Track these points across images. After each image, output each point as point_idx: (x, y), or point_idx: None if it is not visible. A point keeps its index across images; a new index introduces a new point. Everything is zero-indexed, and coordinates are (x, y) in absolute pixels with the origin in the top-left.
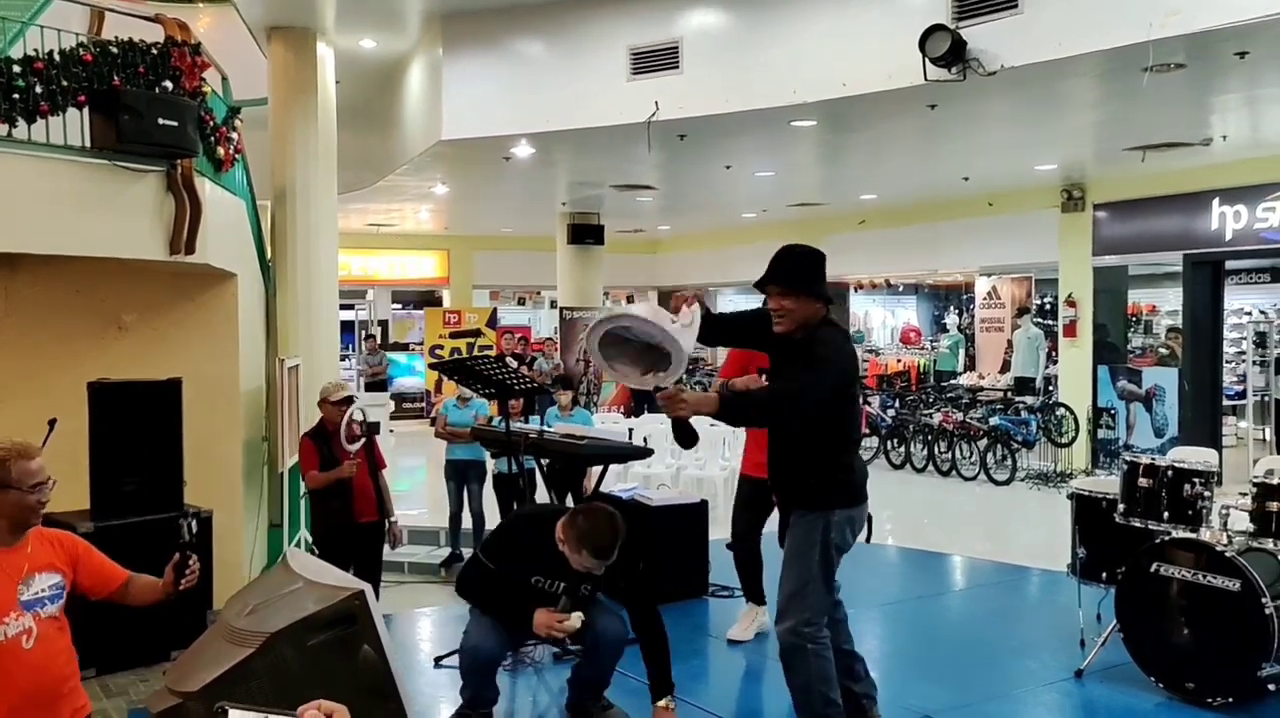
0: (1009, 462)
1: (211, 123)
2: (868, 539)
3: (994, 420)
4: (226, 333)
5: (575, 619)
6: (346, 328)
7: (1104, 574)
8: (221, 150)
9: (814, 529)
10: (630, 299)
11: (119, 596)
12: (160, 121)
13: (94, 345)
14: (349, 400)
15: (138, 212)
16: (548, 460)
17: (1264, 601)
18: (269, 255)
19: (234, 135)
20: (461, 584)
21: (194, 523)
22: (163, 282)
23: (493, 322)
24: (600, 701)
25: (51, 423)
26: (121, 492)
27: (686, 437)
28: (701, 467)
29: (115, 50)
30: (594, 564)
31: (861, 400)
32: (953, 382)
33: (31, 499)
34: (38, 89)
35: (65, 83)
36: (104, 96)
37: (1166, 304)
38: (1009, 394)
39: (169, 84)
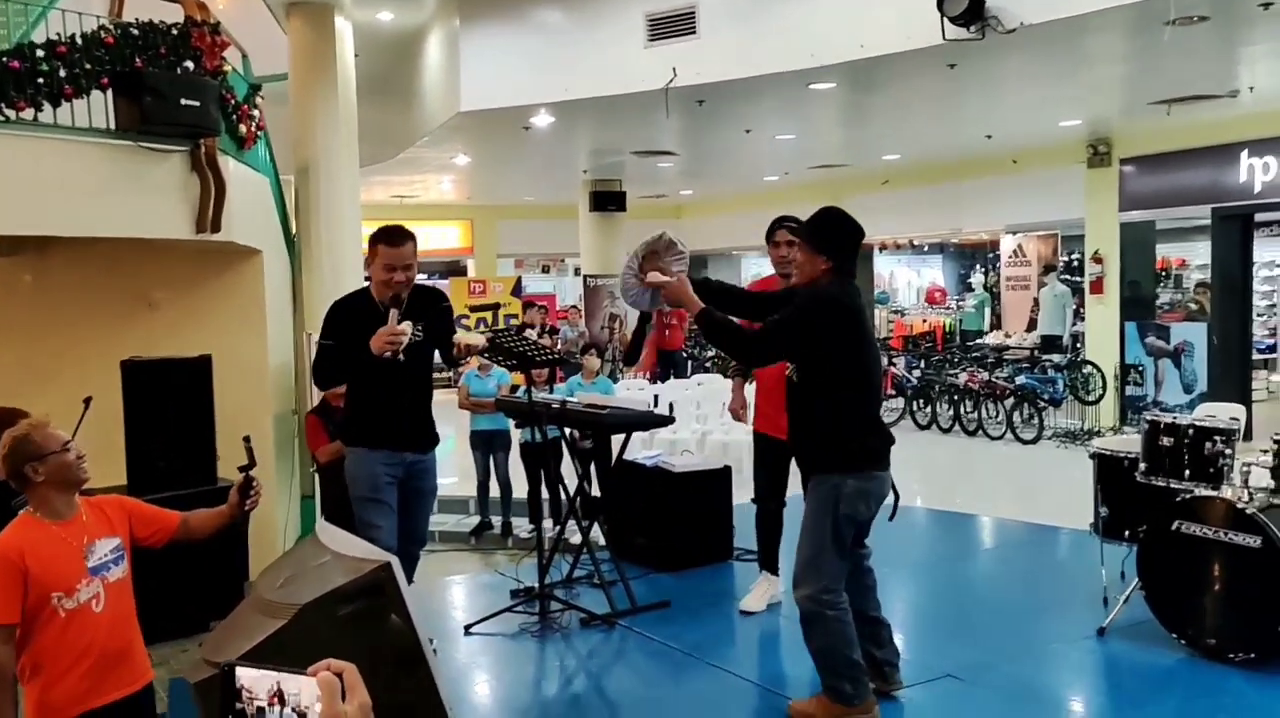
0: (1036, 421)
1: (233, 101)
2: (891, 517)
3: (1020, 379)
4: (254, 308)
5: (406, 325)
6: None
7: (1126, 533)
8: (243, 128)
9: (827, 499)
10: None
11: (181, 535)
12: (183, 102)
13: (125, 324)
14: None
15: (163, 192)
16: (574, 431)
17: None
18: (294, 230)
19: (255, 113)
20: (318, 374)
21: (251, 444)
22: (190, 259)
23: (517, 290)
24: None
25: (87, 401)
26: (156, 466)
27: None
28: (727, 431)
29: (136, 32)
30: (399, 255)
31: (886, 361)
32: (978, 341)
33: (70, 457)
34: (61, 73)
35: (89, 66)
36: (127, 78)
37: (1196, 258)
38: (1035, 353)
39: (190, 64)
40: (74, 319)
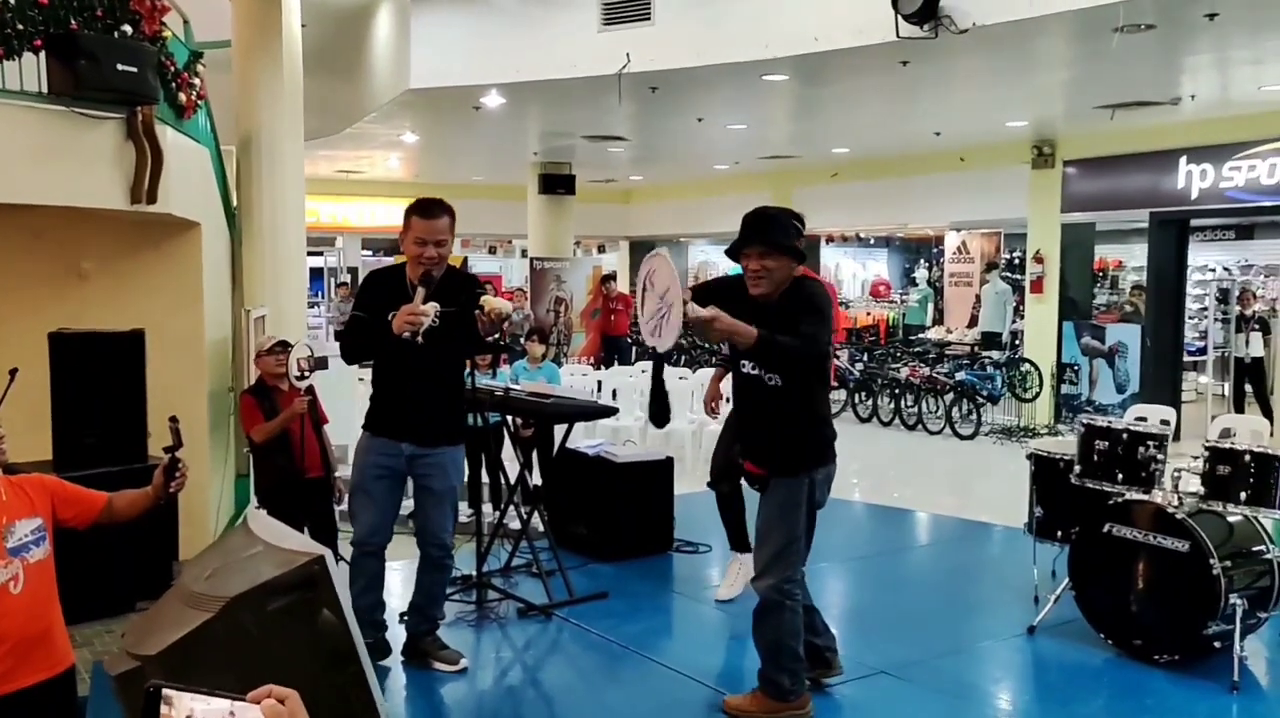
0: (974, 416)
1: (172, 68)
2: None
3: (960, 375)
4: (190, 282)
5: (430, 307)
6: (316, 275)
7: (1059, 533)
8: (183, 96)
9: (799, 490)
10: (602, 249)
11: (106, 517)
12: (119, 67)
13: (55, 293)
14: (284, 345)
15: (97, 160)
16: (516, 419)
17: (1211, 562)
18: (234, 203)
19: (196, 81)
20: (343, 346)
21: (177, 424)
22: (125, 230)
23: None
24: (433, 634)
25: (12, 373)
26: (84, 443)
27: (662, 412)
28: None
29: None
30: (431, 228)
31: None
32: (921, 336)
33: None
34: None
35: (21, 26)
36: (61, 41)
37: (1134, 260)
38: (976, 349)
39: (128, 28)
40: (2, 286)
